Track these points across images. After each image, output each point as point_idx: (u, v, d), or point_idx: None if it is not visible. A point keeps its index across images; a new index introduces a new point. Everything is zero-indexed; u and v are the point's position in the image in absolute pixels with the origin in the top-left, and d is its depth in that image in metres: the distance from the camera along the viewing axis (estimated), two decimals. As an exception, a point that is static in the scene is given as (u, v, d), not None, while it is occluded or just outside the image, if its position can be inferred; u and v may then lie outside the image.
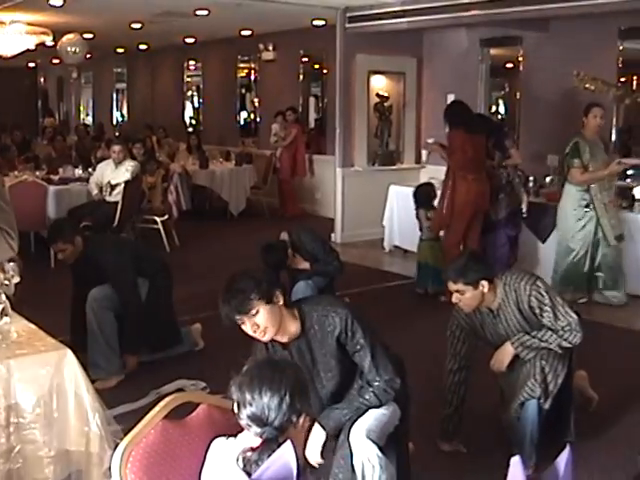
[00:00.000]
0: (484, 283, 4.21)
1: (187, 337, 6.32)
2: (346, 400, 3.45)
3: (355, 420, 3.41)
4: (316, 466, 3.24)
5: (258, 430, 2.29)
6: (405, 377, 3.71)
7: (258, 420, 2.30)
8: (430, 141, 8.66)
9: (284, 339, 3.38)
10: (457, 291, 4.25)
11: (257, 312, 3.20)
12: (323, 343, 3.39)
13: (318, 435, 3.30)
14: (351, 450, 3.35)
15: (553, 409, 4.30)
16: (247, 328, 3.24)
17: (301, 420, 2.35)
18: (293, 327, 3.37)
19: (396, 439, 3.58)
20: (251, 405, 2.31)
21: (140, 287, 5.88)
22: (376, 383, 3.40)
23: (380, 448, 3.36)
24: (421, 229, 8.16)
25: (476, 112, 9.46)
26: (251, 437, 2.32)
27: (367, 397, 3.41)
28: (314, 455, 3.24)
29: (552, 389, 4.23)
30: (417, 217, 8.20)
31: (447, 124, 7.97)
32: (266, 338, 3.29)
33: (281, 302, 3.29)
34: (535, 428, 4.24)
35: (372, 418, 3.41)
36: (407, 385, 3.74)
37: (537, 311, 4.23)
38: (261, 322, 3.21)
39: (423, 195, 8.19)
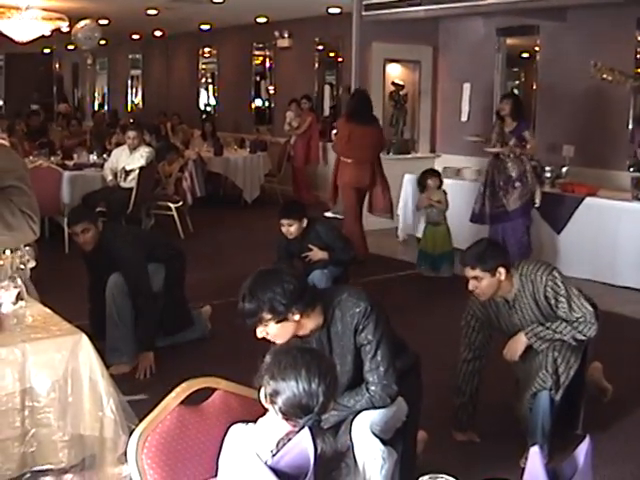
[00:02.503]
0: (501, 270, 4.17)
1: (199, 320, 6.33)
2: (341, 397, 3.36)
3: (358, 413, 3.40)
4: None
5: (303, 418, 2.27)
6: (420, 374, 3.71)
7: (304, 407, 2.28)
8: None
9: (305, 332, 3.33)
10: (475, 277, 4.20)
11: (267, 325, 3.11)
12: (342, 336, 3.34)
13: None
14: (352, 443, 3.35)
15: (564, 400, 4.29)
16: (258, 329, 3.19)
17: (331, 406, 2.35)
18: (313, 324, 3.29)
19: (403, 431, 3.56)
20: (297, 391, 2.28)
21: (157, 273, 5.88)
22: (372, 387, 3.33)
23: (383, 441, 3.35)
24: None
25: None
26: (275, 423, 2.30)
27: (360, 400, 3.35)
28: None
29: (564, 381, 4.20)
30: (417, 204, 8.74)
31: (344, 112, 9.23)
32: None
33: (297, 317, 3.15)
34: (547, 419, 4.22)
35: (377, 412, 3.39)
36: (421, 383, 3.75)
37: (552, 302, 4.20)
38: (270, 333, 3.14)
39: (421, 179, 8.46)
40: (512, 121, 8.04)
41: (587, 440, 2.06)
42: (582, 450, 2.04)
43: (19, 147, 11.46)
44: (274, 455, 2.07)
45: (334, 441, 2.19)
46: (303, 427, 2.16)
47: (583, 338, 4.21)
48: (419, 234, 8.90)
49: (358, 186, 8.90)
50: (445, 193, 8.31)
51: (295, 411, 2.29)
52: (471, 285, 4.24)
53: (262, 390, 2.36)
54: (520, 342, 4.28)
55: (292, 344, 2.41)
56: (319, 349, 3.33)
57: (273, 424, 2.31)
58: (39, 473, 3.80)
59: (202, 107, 17.60)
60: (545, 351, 4.24)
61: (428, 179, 8.31)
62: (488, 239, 5.46)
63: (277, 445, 2.19)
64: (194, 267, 6.63)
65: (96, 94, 22.33)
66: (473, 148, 9.51)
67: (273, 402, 2.32)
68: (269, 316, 3.07)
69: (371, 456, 3.28)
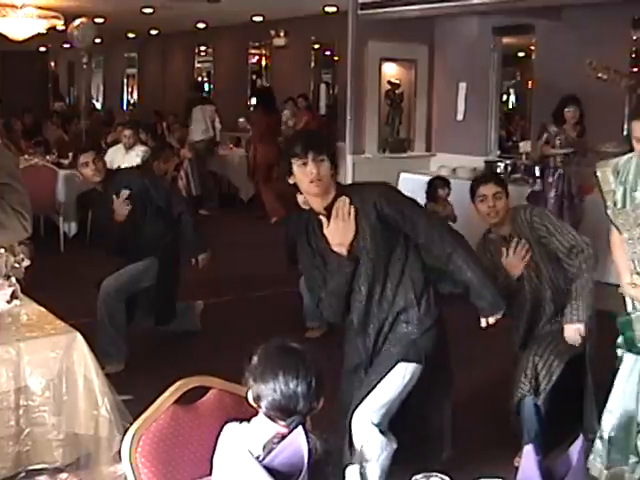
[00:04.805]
0: (510, 198, 4.41)
1: (191, 313, 6.34)
2: None
3: (361, 401, 3.45)
4: None
5: (285, 419, 2.26)
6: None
7: (285, 409, 2.27)
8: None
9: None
10: (496, 194, 4.35)
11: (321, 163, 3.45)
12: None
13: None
14: (351, 433, 3.38)
15: (565, 401, 4.30)
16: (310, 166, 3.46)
17: (320, 404, 2.34)
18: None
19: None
20: (276, 394, 2.26)
21: (150, 268, 5.88)
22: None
23: (382, 431, 3.40)
24: None
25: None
26: (266, 423, 2.31)
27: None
28: None
29: (544, 386, 4.17)
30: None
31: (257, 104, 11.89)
32: None
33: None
34: (533, 425, 4.21)
35: (376, 398, 3.45)
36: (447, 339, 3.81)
37: (543, 233, 4.27)
38: (322, 173, 3.45)
39: (431, 189, 7.88)
40: (576, 125, 8.01)
41: (580, 439, 2.06)
42: (576, 448, 2.04)
43: (12, 146, 11.38)
44: (263, 459, 2.07)
45: (323, 442, 2.18)
46: (293, 428, 2.16)
47: (593, 269, 4.24)
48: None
49: (267, 165, 11.49)
50: (451, 205, 7.73)
51: (277, 414, 2.28)
52: (489, 203, 4.36)
53: (249, 392, 2.36)
54: (571, 331, 4.23)
55: (274, 344, 2.38)
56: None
57: (265, 424, 2.31)
58: (34, 472, 3.81)
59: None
60: (527, 356, 4.25)
61: (439, 189, 7.75)
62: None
63: (263, 448, 2.18)
64: (189, 267, 6.63)
65: (92, 93, 22.30)
66: (469, 147, 9.52)
67: (258, 405, 2.32)
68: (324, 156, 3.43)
69: (368, 444, 3.32)
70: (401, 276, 3.55)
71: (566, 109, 7.97)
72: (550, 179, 8.05)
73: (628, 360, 3.72)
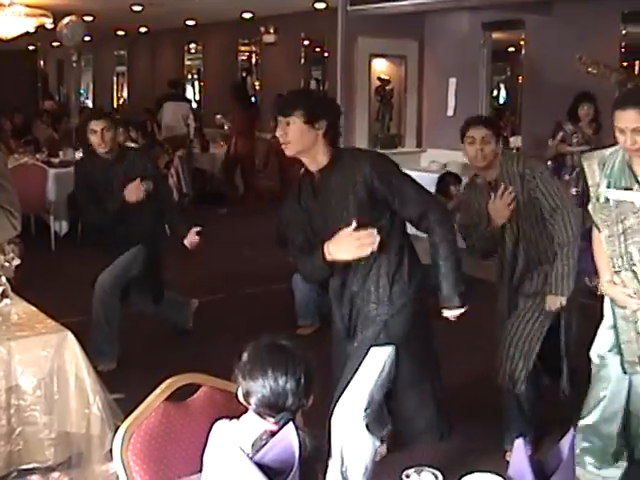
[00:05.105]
0: (500, 143, 4.33)
1: (186, 309, 6.33)
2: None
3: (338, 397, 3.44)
4: None
5: (275, 416, 2.26)
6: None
7: (274, 406, 2.26)
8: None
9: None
10: (484, 137, 4.29)
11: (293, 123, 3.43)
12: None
13: None
14: (330, 432, 3.38)
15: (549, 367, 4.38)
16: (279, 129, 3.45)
17: (310, 401, 2.34)
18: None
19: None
20: (265, 391, 2.26)
21: (137, 257, 5.83)
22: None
23: (367, 426, 3.40)
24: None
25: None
26: (256, 420, 2.30)
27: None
28: None
29: (525, 373, 4.19)
30: None
31: (232, 100, 12.30)
32: None
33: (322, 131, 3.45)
34: (517, 417, 4.29)
35: (354, 393, 3.42)
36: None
37: (531, 184, 4.19)
38: (290, 133, 3.44)
39: (442, 185, 7.91)
40: (591, 122, 8.01)
41: (571, 432, 2.06)
42: (566, 441, 2.05)
43: (1, 145, 11.35)
44: (254, 455, 2.07)
45: (313, 438, 2.17)
46: (282, 425, 2.16)
47: (577, 228, 4.14)
48: (410, 231, 8.72)
49: (243, 156, 12.35)
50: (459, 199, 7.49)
51: (266, 410, 2.28)
52: (477, 146, 4.32)
53: (239, 389, 2.35)
54: (554, 300, 4.17)
55: (263, 342, 2.37)
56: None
57: (255, 421, 2.30)
58: (26, 471, 3.80)
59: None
60: (503, 343, 4.26)
61: (450, 185, 7.73)
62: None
63: (253, 445, 2.18)
64: (179, 264, 6.63)
65: (81, 91, 22.23)
66: (459, 143, 9.46)
67: (248, 402, 2.32)
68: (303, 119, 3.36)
69: (348, 443, 3.31)
70: (377, 254, 3.46)
71: (580, 107, 7.99)
72: (567, 177, 8.05)
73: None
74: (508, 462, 2.15)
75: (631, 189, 3.48)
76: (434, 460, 4.16)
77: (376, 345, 3.51)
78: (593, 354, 3.89)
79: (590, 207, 3.64)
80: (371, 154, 3.73)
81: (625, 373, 3.75)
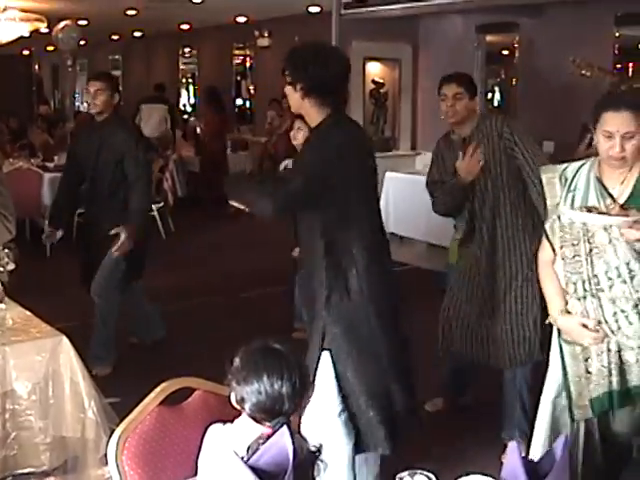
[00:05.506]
0: (476, 100, 4.44)
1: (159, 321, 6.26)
2: None
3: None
4: None
5: (271, 420, 2.25)
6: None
7: (270, 410, 2.26)
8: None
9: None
10: (456, 94, 4.35)
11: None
12: None
13: None
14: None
15: None
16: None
17: (306, 404, 2.34)
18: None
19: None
20: (261, 396, 2.25)
21: None
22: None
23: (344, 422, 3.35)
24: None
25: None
26: (250, 424, 2.30)
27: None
28: None
29: (539, 340, 4.20)
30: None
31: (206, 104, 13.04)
32: None
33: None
34: (516, 408, 4.33)
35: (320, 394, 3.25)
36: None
37: (510, 145, 4.22)
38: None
39: None
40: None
41: (564, 436, 2.07)
42: (559, 444, 2.05)
43: (-1, 150, 11.37)
44: (248, 459, 2.07)
45: (307, 441, 2.17)
46: (277, 429, 2.16)
47: None
48: (406, 234, 8.76)
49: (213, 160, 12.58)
50: None
51: (262, 415, 2.28)
52: (449, 103, 4.37)
53: (232, 395, 2.35)
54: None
55: (255, 346, 2.36)
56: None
57: (249, 425, 2.30)
58: (21, 476, 3.80)
59: (182, 107, 17.56)
60: (501, 328, 4.30)
61: None
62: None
63: (248, 449, 2.17)
64: (175, 267, 6.63)
65: (76, 95, 22.22)
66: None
67: (242, 407, 2.31)
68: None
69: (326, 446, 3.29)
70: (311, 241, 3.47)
71: None
72: None
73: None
74: (502, 463, 2.16)
75: (597, 208, 3.07)
76: (427, 462, 4.18)
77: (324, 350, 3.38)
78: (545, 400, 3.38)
79: (547, 226, 3.24)
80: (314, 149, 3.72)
81: (573, 421, 3.24)
